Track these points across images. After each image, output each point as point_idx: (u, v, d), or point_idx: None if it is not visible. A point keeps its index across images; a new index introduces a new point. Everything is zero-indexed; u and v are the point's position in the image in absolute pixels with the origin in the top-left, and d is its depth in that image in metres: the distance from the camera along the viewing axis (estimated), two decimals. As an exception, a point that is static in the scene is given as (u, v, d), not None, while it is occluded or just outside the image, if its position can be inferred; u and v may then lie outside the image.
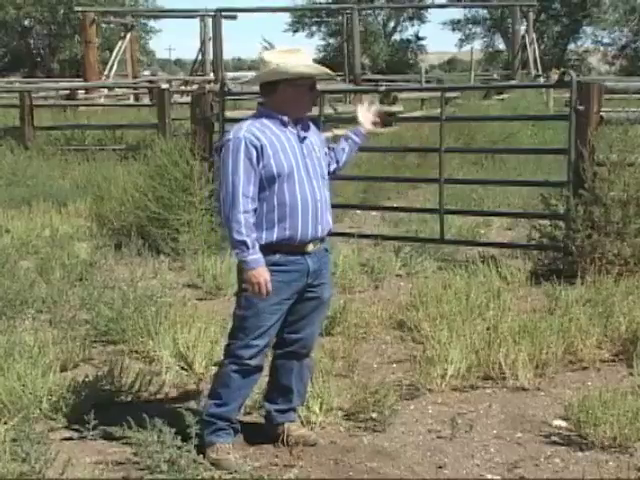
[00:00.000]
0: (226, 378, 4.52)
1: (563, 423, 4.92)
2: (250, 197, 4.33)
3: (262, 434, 4.73)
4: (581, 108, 8.07)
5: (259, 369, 4.54)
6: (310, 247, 4.46)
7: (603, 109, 8.22)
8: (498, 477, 4.34)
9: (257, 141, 4.34)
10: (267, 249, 4.37)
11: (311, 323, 4.61)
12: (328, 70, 4.58)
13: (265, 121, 4.44)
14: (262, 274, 4.32)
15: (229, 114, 10.61)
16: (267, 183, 4.37)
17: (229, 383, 4.50)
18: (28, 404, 4.81)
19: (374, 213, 11.27)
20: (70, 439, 4.66)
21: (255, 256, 4.32)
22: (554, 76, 24.13)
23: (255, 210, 4.36)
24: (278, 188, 4.38)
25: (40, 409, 4.84)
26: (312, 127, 4.63)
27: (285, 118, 4.44)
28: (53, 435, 4.40)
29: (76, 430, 4.73)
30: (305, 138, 4.49)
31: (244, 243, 4.32)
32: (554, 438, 4.78)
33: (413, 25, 58.08)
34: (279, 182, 4.37)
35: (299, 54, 4.47)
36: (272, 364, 4.75)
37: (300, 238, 4.41)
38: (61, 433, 4.60)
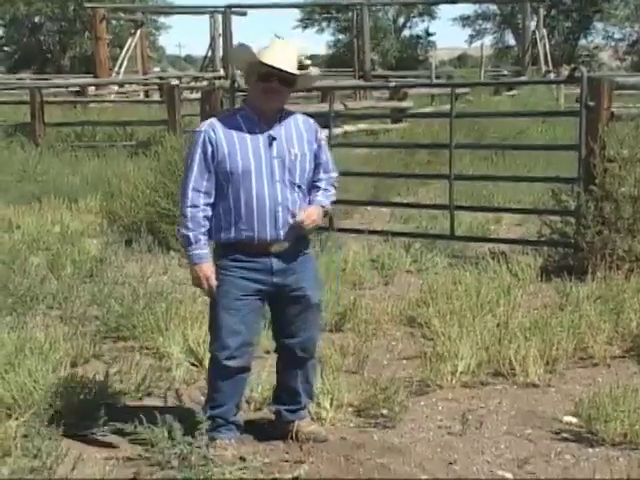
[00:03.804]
0: (212, 381, 4.54)
1: (573, 419, 4.91)
2: (202, 192, 4.33)
3: (272, 430, 4.73)
4: (592, 104, 8.05)
5: (242, 370, 4.48)
6: (274, 248, 4.39)
7: (614, 105, 8.20)
8: (508, 473, 4.33)
9: (214, 136, 4.33)
10: (227, 247, 4.38)
11: (305, 327, 4.56)
12: (295, 71, 4.34)
13: (237, 117, 4.42)
14: (203, 270, 4.33)
15: (239, 110, 10.57)
16: (223, 181, 4.34)
17: (215, 386, 4.51)
18: (39, 400, 4.82)
19: (384, 209, 11.26)
20: (81, 435, 4.67)
21: (198, 251, 4.34)
22: (564, 72, 24.08)
23: (209, 205, 4.35)
24: (234, 187, 4.33)
25: (51, 405, 4.85)
26: (300, 127, 4.49)
27: (256, 117, 4.37)
28: (64, 431, 4.40)
29: (87, 426, 4.74)
30: (276, 139, 4.36)
31: (187, 237, 4.36)
32: (564, 434, 4.77)
33: (423, 21, 58.02)
34: (234, 181, 4.32)
35: (284, 47, 4.39)
36: (277, 367, 4.76)
37: (258, 240, 4.36)
38: (72, 429, 4.60)
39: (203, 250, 4.35)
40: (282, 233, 4.38)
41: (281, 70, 4.29)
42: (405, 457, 4.51)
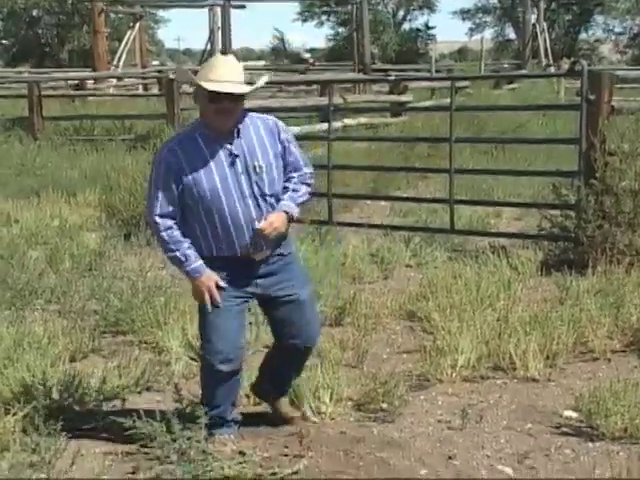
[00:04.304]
0: (207, 386, 4.52)
1: (574, 414, 4.91)
2: (170, 215, 4.31)
3: (272, 423, 4.73)
4: (592, 97, 8.04)
5: (235, 373, 4.47)
6: (257, 257, 4.40)
7: (614, 98, 8.19)
8: (508, 468, 4.33)
9: (176, 163, 4.27)
10: (209, 259, 4.37)
11: (306, 323, 4.54)
12: (233, 90, 4.21)
13: (197, 136, 4.34)
14: (203, 282, 4.32)
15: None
16: (192, 204, 4.31)
17: (210, 390, 4.50)
18: (37, 395, 4.82)
19: (384, 203, 11.25)
20: (79, 430, 4.66)
21: (192, 266, 4.33)
22: (565, 65, 24.11)
23: (177, 220, 4.33)
24: (205, 209, 4.30)
25: (50, 399, 4.84)
26: (261, 134, 4.39)
27: (214, 136, 4.31)
28: (63, 426, 4.39)
29: (85, 421, 4.74)
30: (238, 156, 4.30)
31: (175, 258, 4.36)
32: (564, 429, 4.77)
33: (423, 14, 57.85)
34: (204, 204, 4.29)
35: (225, 64, 4.32)
36: (271, 360, 4.74)
37: (241, 254, 4.37)
38: (70, 424, 4.60)
39: (196, 263, 4.34)
40: (263, 244, 4.37)
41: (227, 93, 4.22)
42: (405, 451, 4.51)
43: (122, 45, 31.35)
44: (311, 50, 54.45)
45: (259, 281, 4.43)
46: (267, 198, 4.36)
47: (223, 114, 4.26)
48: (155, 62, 40.46)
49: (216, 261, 4.37)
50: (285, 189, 4.45)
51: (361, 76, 26.64)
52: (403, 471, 4.28)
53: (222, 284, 4.34)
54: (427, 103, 19.31)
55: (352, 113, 16.63)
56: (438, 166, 11.29)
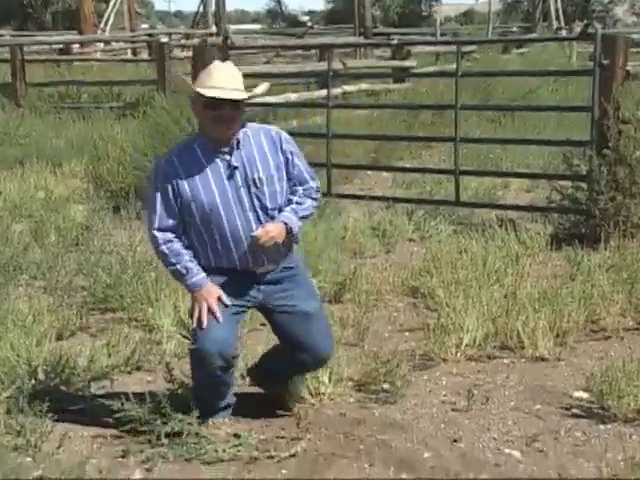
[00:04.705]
0: (199, 380, 4.46)
1: (584, 395, 4.92)
2: (169, 229, 4.34)
3: (267, 403, 4.74)
4: (606, 62, 8.01)
5: (229, 367, 4.41)
6: (259, 271, 4.42)
7: (629, 63, 8.16)
8: (516, 451, 4.35)
9: (173, 171, 4.30)
10: (209, 269, 4.38)
11: (311, 339, 4.50)
12: (231, 96, 4.22)
13: (195, 147, 4.36)
14: (207, 295, 4.30)
15: (232, 69, 10.51)
16: (190, 217, 4.33)
17: (202, 385, 4.45)
18: (22, 375, 4.83)
19: (385, 174, 11.23)
20: (67, 411, 4.67)
21: (195, 279, 4.33)
22: (577, 28, 23.97)
23: (182, 235, 4.36)
24: (204, 223, 4.32)
25: (35, 380, 4.86)
26: (263, 145, 4.40)
27: (213, 146, 4.33)
28: (49, 408, 4.41)
29: (73, 402, 4.75)
30: (237, 167, 4.31)
31: (176, 272, 4.38)
32: (575, 410, 4.78)
33: (427, -25, 57.60)
34: (203, 217, 4.31)
35: (224, 69, 4.34)
36: (277, 353, 4.72)
37: (241, 269, 4.38)
38: (57, 405, 4.61)
39: (198, 276, 4.34)
40: (265, 258, 4.38)
41: (227, 99, 4.23)
42: (407, 434, 4.52)
43: (109, 7, 31.20)
44: (309, 13, 54.32)
45: (262, 287, 4.44)
46: (269, 211, 4.37)
47: (221, 122, 4.27)
48: (144, 25, 40.31)
49: (216, 270, 4.39)
50: (289, 202, 4.46)
51: (362, 40, 26.50)
52: (405, 454, 4.30)
53: (227, 301, 4.32)
54: (431, 69, 19.23)
55: (352, 79, 16.57)
56: (443, 135, 11.27)
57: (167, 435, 4.26)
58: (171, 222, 4.34)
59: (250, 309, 4.61)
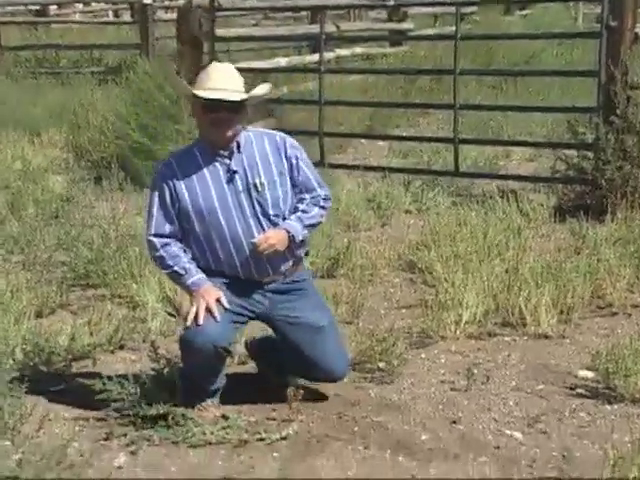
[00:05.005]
0: (189, 368, 4.42)
1: (590, 374, 4.94)
2: (166, 234, 4.37)
3: (257, 383, 4.75)
4: (614, 24, 7.98)
5: (222, 357, 4.39)
6: (264, 280, 4.43)
7: (638, 25, 8.13)
8: (518, 432, 4.36)
9: (171, 179, 4.34)
10: (210, 272, 4.40)
11: (330, 349, 4.52)
12: (230, 97, 4.27)
13: (195, 151, 4.42)
14: (205, 294, 4.29)
15: (220, 32, 10.49)
16: (188, 223, 4.36)
17: (193, 374, 4.41)
18: (0, 355, 4.82)
19: (381, 143, 11.22)
20: (47, 392, 4.68)
21: (193, 279, 4.34)
22: (583, -12, 23.85)
23: (179, 239, 4.39)
24: (204, 229, 4.34)
25: (13, 359, 4.86)
26: (266, 149, 4.42)
27: (212, 150, 4.36)
28: (28, 388, 4.41)
29: (53, 383, 4.76)
30: (237, 172, 4.33)
31: (174, 273, 4.39)
32: (579, 390, 4.80)
33: None
34: (202, 223, 4.33)
35: (222, 70, 4.38)
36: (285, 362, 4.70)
37: (244, 277, 4.40)
38: (37, 386, 4.61)
39: (197, 276, 4.34)
40: (268, 267, 4.40)
41: (225, 101, 4.26)
42: (404, 415, 4.54)
43: (89, -34, 30.94)
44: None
45: (268, 294, 4.45)
46: (271, 218, 4.38)
47: (220, 125, 4.29)
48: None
49: (217, 272, 4.40)
50: (295, 209, 4.48)
51: (356, 1, 26.39)
52: (402, 436, 4.31)
53: (226, 305, 4.30)
54: (429, 31, 19.16)
55: (346, 42, 16.49)
56: (441, 101, 11.24)
57: (152, 417, 4.26)
58: (168, 227, 4.37)
59: (252, 320, 4.55)
